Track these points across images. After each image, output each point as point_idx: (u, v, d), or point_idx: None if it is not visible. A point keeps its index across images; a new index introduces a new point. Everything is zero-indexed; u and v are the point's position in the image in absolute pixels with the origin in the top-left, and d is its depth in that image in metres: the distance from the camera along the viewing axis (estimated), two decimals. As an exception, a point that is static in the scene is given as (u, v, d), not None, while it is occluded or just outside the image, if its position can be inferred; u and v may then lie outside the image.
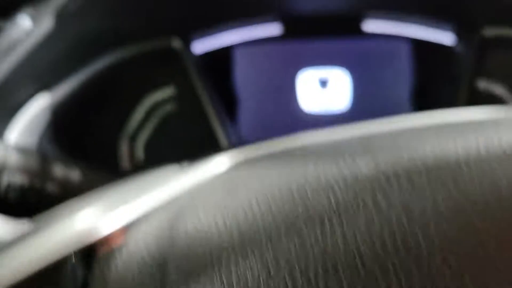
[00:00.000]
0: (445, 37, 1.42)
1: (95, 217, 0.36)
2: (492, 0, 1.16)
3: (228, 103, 1.46)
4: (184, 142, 1.32)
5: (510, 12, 1.20)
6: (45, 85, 1.04)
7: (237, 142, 1.30)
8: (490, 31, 1.25)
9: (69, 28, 0.94)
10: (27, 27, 0.91)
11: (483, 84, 1.30)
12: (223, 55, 1.46)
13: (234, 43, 1.47)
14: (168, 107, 1.35)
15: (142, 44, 1.27)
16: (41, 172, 0.71)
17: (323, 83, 1.53)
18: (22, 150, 0.73)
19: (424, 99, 1.42)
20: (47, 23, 0.91)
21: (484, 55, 1.30)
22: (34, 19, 0.92)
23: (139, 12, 1.14)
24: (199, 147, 1.23)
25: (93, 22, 0.99)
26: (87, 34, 1.01)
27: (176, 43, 1.31)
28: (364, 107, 1.43)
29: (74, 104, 1.08)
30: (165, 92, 1.33)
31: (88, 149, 1.22)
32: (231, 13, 1.40)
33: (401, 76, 1.50)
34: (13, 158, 0.68)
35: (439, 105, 1.31)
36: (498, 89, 1.28)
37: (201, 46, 1.44)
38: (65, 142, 1.15)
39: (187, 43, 1.33)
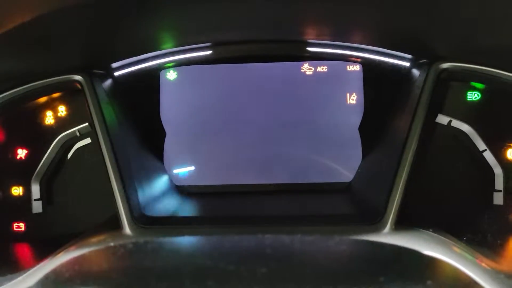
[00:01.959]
0: (401, 62, 1.32)
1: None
2: (451, 36, 1.06)
3: (153, 134, 1.38)
4: (95, 182, 1.28)
5: (467, 49, 1.12)
6: None
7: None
8: (447, 64, 1.16)
9: None
10: None
11: (445, 119, 1.23)
12: (149, 80, 1.38)
13: (160, 67, 1.38)
14: (81, 144, 1.30)
15: (44, 83, 1.20)
16: None
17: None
18: None
19: (377, 127, 1.32)
20: None
21: (441, 86, 1.19)
22: None
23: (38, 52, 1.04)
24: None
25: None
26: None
27: (80, 80, 1.21)
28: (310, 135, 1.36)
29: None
30: (78, 129, 1.29)
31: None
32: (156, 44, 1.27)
33: (352, 100, 1.37)
34: None
35: (392, 135, 1.20)
36: (462, 126, 1.22)
37: (122, 73, 1.35)
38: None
39: (94, 77, 1.23)
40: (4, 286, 0.79)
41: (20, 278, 0.84)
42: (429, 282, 0.55)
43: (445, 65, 1.16)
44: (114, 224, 1.07)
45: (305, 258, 0.63)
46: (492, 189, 1.22)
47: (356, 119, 1.37)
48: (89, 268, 0.61)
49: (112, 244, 0.78)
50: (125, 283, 0.52)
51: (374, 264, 0.68)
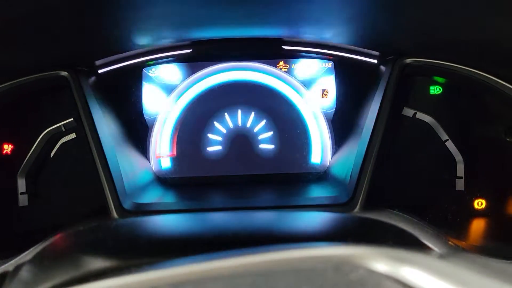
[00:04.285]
0: (369, 59, 1.41)
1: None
2: (413, 34, 1.16)
3: (136, 129, 1.45)
4: (80, 175, 1.32)
5: (429, 45, 1.22)
6: None
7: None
8: (410, 59, 1.27)
9: None
10: None
11: (410, 112, 1.33)
12: (131, 77, 1.45)
13: (143, 65, 1.45)
14: (66, 139, 1.34)
15: (30, 79, 1.24)
16: None
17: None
18: None
19: (348, 120, 1.42)
20: None
21: (406, 80, 1.30)
22: None
23: (25, 48, 1.08)
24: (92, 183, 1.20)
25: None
26: None
27: (66, 76, 1.27)
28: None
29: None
30: (63, 124, 1.32)
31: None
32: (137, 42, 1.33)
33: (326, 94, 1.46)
34: None
35: (362, 126, 1.29)
36: (426, 117, 1.32)
37: (106, 71, 1.41)
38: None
39: (79, 74, 1.28)
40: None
41: (16, 258, 0.89)
42: (390, 242, 0.63)
43: (408, 60, 1.26)
44: (101, 213, 1.13)
45: (283, 226, 0.70)
46: (454, 176, 1.33)
47: (329, 112, 1.46)
48: (84, 238, 0.67)
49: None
50: (117, 247, 0.58)
51: (343, 230, 0.76)
